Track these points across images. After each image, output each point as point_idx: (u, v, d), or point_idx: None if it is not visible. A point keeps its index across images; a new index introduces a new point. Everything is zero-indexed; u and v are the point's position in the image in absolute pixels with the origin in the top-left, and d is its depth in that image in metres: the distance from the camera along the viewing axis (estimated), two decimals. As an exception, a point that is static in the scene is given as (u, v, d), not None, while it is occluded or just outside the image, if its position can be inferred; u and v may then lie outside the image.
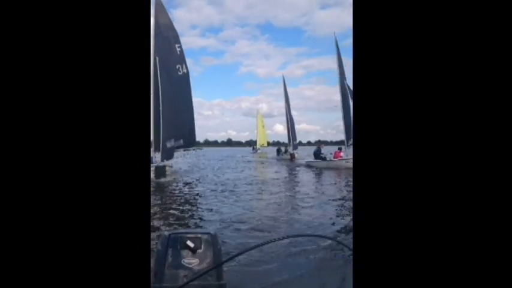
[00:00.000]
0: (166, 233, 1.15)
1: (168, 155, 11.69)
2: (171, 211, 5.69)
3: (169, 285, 1.06)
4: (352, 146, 9.71)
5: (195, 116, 14.28)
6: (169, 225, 4.68)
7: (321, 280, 2.76)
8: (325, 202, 6.44)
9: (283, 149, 26.43)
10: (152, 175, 9.91)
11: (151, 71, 11.38)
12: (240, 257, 2.56)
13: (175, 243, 1.12)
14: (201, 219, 5.14)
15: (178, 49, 12.96)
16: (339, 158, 14.98)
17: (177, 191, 8.17)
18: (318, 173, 13.12)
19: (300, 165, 17.64)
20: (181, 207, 6.05)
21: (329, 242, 3.30)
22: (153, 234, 3.30)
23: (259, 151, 36.47)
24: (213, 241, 1.14)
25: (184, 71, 13.10)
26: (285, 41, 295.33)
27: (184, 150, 12.93)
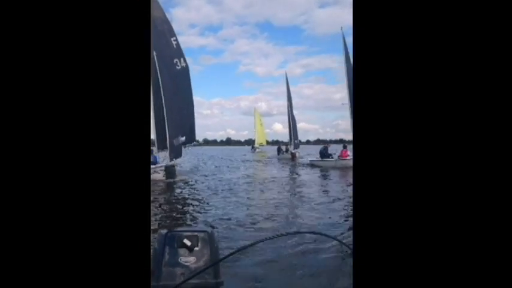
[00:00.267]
0: (163, 231, 1.14)
1: (177, 153, 11.17)
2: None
3: (166, 284, 1.05)
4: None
5: (194, 114, 13.87)
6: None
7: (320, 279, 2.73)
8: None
9: (283, 148, 25.68)
10: (161, 176, 9.77)
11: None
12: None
13: (172, 241, 1.11)
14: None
15: (174, 42, 12.23)
16: (346, 157, 14.18)
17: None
18: (325, 174, 12.30)
19: (302, 164, 16.91)
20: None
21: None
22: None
23: (257, 150, 35.66)
24: (210, 239, 1.14)
25: (183, 65, 12.41)
26: (284, 40, 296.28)
27: (184, 148, 12.25)
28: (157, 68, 10.83)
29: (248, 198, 7.23)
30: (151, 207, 5.52)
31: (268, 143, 39.14)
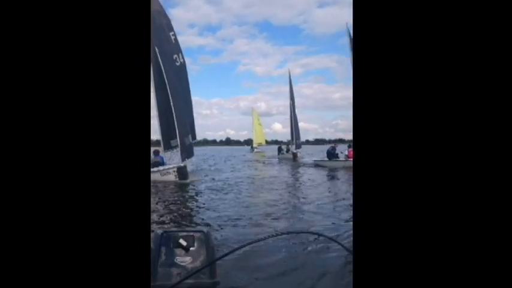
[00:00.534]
0: (159, 231, 1.13)
1: (188, 153, 10.68)
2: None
3: (162, 284, 1.03)
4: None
5: (194, 114, 13.57)
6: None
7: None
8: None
9: (284, 147, 25.06)
10: (172, 177, 9.45)
11: (152, 63, 10.19)
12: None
13: (168, 241, 1.11)
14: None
15: (172, 37, 11.62)
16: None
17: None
18: (333, 175, 11.59)
19: (304, 164, 16.28)
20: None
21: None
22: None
23: (256, 150, 34.95)
24: (206, 239, 1.13)
25: (181, 60, 11.83)
26: (283, 40, 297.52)
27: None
28: (161, 64, 10.23)
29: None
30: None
31: (267, 142, 38.46)
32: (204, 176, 11.51)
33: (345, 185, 8.71)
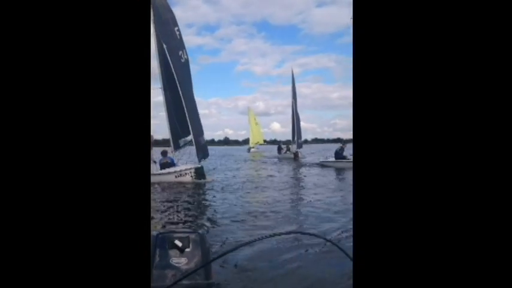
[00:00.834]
0: (154, 232, 1.12)
1: (204, 153, 10.32)
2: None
3: (157, 285, 1.02)
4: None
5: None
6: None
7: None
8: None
9: (284, 146, 24.68)
10: (188, 178, 9.22)
11: (160, 60, 9.91)
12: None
13: (164, 242, 1.10)
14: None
15: (177, 33, 11.08)
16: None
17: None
18: (344, 176, 11.20)
19: (307, 164, 15.84)
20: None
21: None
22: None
23: (252, 150, 34.44)
24: (201, 240, 1.12)
25: (186, 57, 11.32)
26: (282, 39, 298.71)
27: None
28: (170, 61, 9.77)
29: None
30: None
31: (266, 142, 38.01)
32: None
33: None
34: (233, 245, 3.06)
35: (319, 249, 3.22)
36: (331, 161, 14.19)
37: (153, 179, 9.07)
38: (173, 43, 10.60)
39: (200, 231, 1.16)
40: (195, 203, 6.63)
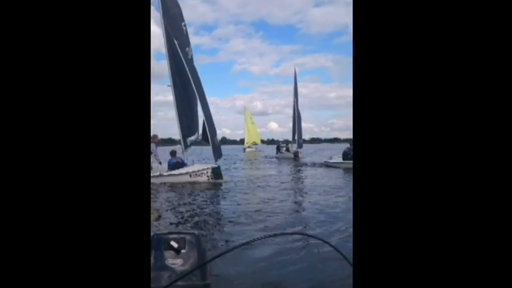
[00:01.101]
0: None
1: (219, 153, 10.06)
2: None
3: (153, 287, 1.00)
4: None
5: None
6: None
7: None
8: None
9: (283, 146, 24.43)
10: (204, 178, 8.95)
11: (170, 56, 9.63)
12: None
13: (159, 243, 1.10)
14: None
15: (184, 28, 10.72)
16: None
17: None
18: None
19: (309, 164, 15.58)
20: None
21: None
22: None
23: (248, 150, 34.08)
24: (197, 241, 1.12)
25: (192, 54, 10.99)
26: (279, 39, 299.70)
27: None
28: (183, 58, 9.46)
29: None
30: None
31: (263, 142, 37.74)
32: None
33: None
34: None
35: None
36: (338, 162, 13.76)
37: (164, 179, 8.76)
38: (182, 39, 10.26)
39: (196, 233, 1.14)
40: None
